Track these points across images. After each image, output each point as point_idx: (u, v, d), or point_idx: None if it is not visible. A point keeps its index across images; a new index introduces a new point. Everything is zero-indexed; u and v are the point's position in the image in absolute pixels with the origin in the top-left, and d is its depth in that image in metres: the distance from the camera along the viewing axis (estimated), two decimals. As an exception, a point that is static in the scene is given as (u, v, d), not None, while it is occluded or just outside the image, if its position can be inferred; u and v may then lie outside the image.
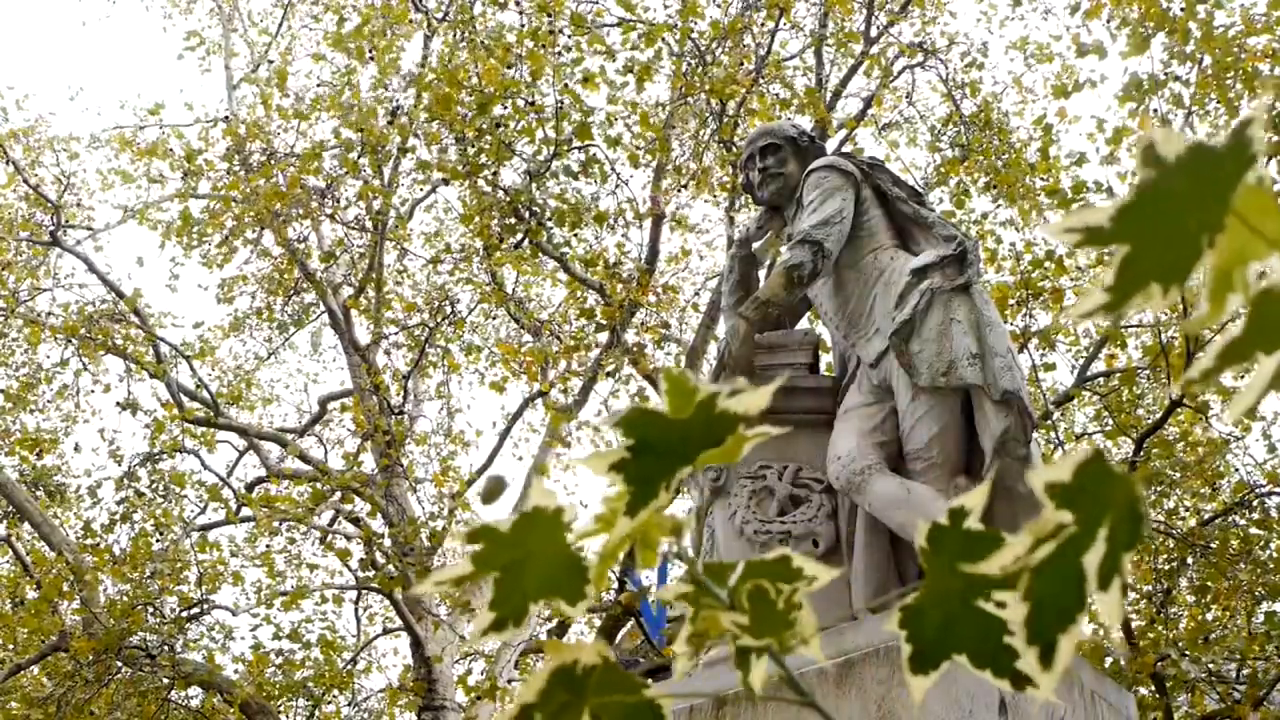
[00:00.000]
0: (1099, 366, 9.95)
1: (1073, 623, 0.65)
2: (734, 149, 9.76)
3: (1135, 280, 0.60)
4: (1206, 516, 9.34)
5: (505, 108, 9.99)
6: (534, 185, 10.25)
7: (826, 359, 5.88)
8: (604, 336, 10.71)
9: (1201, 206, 0.58)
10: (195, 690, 10.48)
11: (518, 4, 10.53)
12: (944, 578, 0.70)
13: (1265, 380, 0.58)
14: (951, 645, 0.71)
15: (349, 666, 10.83)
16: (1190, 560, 8.95)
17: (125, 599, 9.67)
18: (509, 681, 10.75)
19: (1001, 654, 0.70)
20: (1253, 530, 9.10)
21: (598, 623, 10.39)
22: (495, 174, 10.17)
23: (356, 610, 12.49)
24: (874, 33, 10.94)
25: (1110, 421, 9.65)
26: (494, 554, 0.75)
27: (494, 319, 13.04)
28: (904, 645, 0.72)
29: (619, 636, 10.30)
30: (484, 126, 9.78)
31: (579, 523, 0.75)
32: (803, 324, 5.22)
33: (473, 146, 9.99)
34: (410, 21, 11.52)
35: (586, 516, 0.74)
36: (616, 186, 10.88)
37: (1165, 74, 8.75)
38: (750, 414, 0.71)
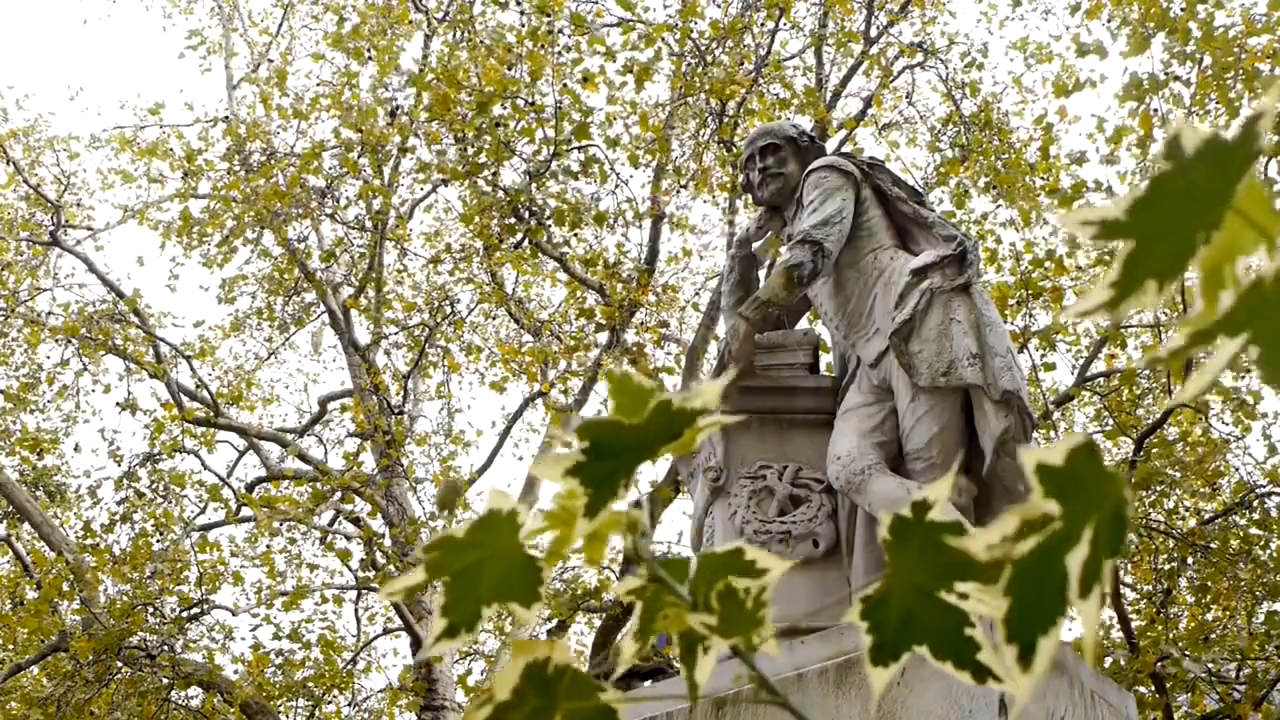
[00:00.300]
0: (1099, 366, 9.95)
1: (1053, 625, 0.64)
2: (734, 149, 9.76)
3: (1137, 277, 0.60)
4: (1206, 516, 9.33)
5: (505, 108, 9.99)
6: (534, 185, 10.25)
7: (826, 359, 5.87)
8: (604, 336, 10.71)
9: (1207, 200, 0.58)
10: (195, 690, 10.48)
11: (518, 4, 10.53)
12: (907, 569, 0.70)
13: (1222, 361, 0.58)
14: (913, 637, 0.71)
15: (349, 666, 10.83)
16: (1190, 560, 8.94)
17: (125, 599, 9.67)
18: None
19: (963, 646, 0.70)
20: (1253, 530, 9.10)
21: (598, 623, 10.40)
22: (495, 174, 10.17)
23: (356, 610, 12.49)
24: (874, 33, 10.94)
25: (1110, 421, 9.65)
26: (449, 560, 0.74)
27: (494, 319, 13.03)
28: (865, 636, 0.71)
29: (619, 637, 10.29)
30: (483, 126, 9.78)
31: (532, 520, 0.74)
32: (803, 324, 5.22)
33: (472, 146, 9.99)
34: (410, 21, 11.52)
35: (539, 515, 0.74)
36: (616, 186, 10.89)
37: (1165, 74, 8.74)
38: (708, 407, 0.71)
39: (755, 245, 5.10)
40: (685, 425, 0.71)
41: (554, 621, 10.75)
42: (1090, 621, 0.61)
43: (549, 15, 10.01)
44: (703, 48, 10.36)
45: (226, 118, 12.70)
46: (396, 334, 12.42)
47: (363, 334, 12.04)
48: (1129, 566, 9.17)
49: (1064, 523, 0.63)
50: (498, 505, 0.74)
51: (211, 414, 12.02)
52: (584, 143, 10.10)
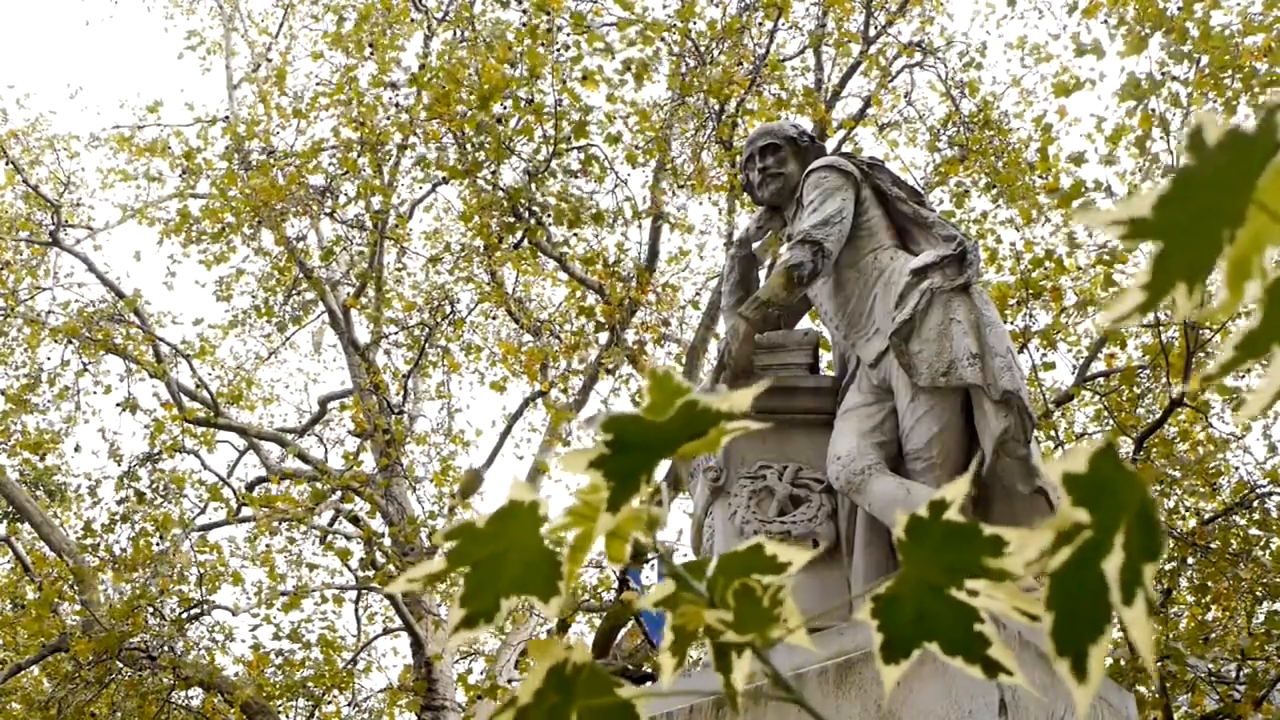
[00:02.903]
0: (1099, 366, 9.95)
1: (1101, 633, 0.64)
2: (733, 149, 9.76)
3: (1168, 278, 0.60)
4: (1206, 516, 9.33)
5: (505, 107, 9.98)
6: (533, 184, 10.25)
7: (827, 358, 5.88)
8: (604, 336, 10.71)
9: (1230, 193, 0.58)
10: (195, 691, 10.47)
11: (519, 2, 10.52)
12: (922, 568, 0.70)
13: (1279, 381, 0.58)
14: (924, 634, 0.71)
15: (349, 666, 10.83)
16: (1190, 560, 8.94)
17: (125, 600, 9.66)
18: (509, 681, 10.74)
19: (973, 642, 0.71)
20: (1253, 530, 9.10)
21: (598, 622, 10.39)
22: (494, 172, 10.17)
23: (356, 610, 12.49)
24: (872, 33, 10.94)
25: (1110, 421, 9.64)
26: (469, 550, 0.74)
27: (494, 319, 13.04)
28: (875, 635, 0.71)
29: (619, 637, 10.29)
30: (483, 124, 9.77)
31: (555, 516, 0.74)
32: (803, 324, 5.22)
33: (470, 144, 9.98)
34: (410, 21, 11.52)
35: (562, 510, 0.74)
36: (616, 186, 10.89)
37: (1163, 74, 8.74)
38: (734, 411, 0.71)
39: (755, 245, 5.10)
40: (710, 425, 0.71)
41: (554, 621, 10.75)
42: (1139, 627, 0.61)
43: (547, 13, 10.00)
44: (701, 48, 10.36)
45: (226, 117, 12.69)
46: (396, 333, 12.42)
47: (363, 333, 12.04)
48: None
49: (1095, 530, 0.63)
50: (519, 497, 0.74)
51: (211, 414, 12.02)
52: (583, 142, 10.10)
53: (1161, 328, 8.53)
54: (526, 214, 10.22)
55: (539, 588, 0.74)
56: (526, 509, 0.74)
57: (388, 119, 10.88)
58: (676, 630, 0.76)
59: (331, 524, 11.53)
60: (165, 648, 9.78)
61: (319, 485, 10.58)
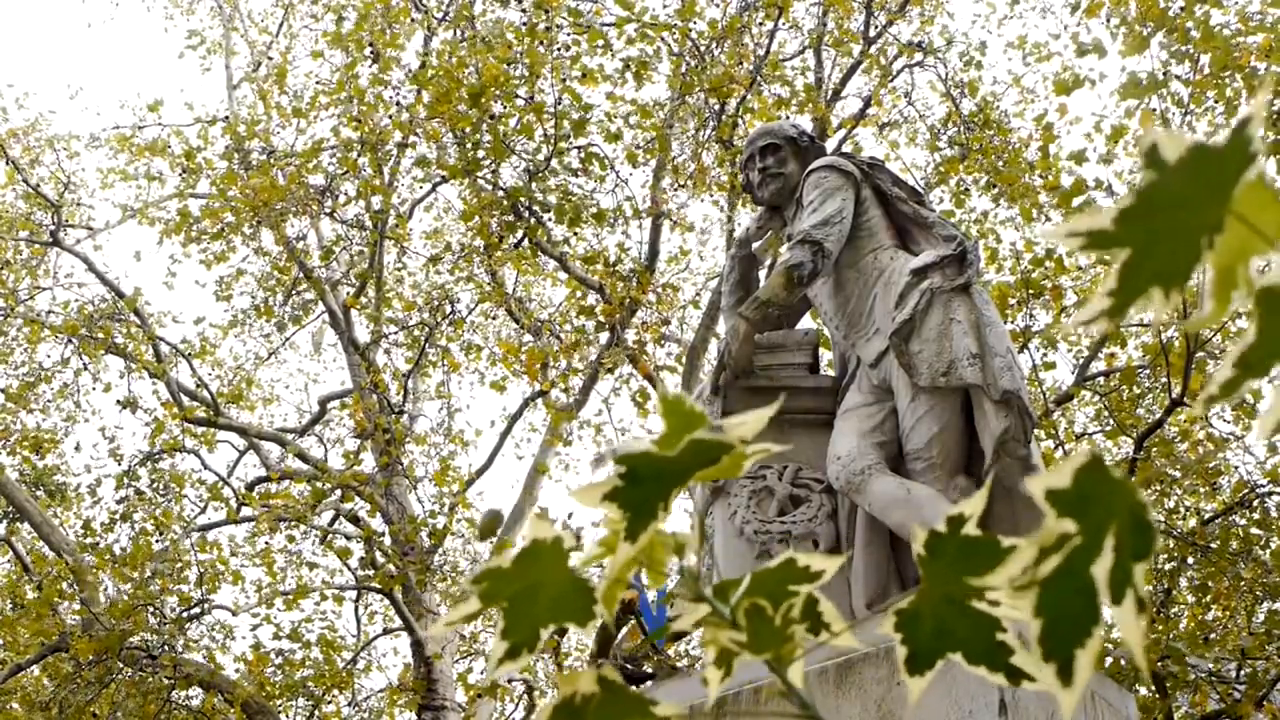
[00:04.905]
0: (1099, 366, 9.95)
1: (1089, 636, 0.64)
2: (733, 148, 9.76)
3: (1137, 284, 0.60)
4: (1206, 516, 9.33)
5: (505, 106, 9.97)
6: (533, 183, 10.24)
7: (827, 358, 5.87)
8: (604, 336, 10.71)
9: (1202, 206, 0.58)
10: (195, 690, 10.48)
11: (519, 1, 10.52)
12: (941, 583, 0.70)
13: None
14: (947, 645, 0.72)
15: (349, 666, 10.83)
16: (1190, 560, 8.94)
17: (125, 599, 9.66)
18: (509, 681, 10.75)
19: (996, 650, 0.71)
20: (1253, 530, 9.09)
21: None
22: (494, 171, 10.16)
23: (356, 610, 12.49)
24: (872, 33, 10.94)
25: (1110, 421, 9.64)
26: (500, 588, 0.75)
27: (494, 319, 13.04)
28: (899, 647, 0.72)
29: (619, 636, 10.28)
30: (480, 122, 9.75)
31: (585, 543, 0.75)
32: (804, 324, 5.22)
33: (469, 142, 9.97)
34: (410, 20, 11.51)
35: (590, 537, 0.75)
36: (616, 185, 10.88)
37: (1164, 74, 8.74)
38: (745, 439, 0.71)
39: (755, 245, 5.10)
40: (722, 454, 0.71)
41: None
42: (1129, 625, 0.62)
43: (546, 11, 9.99)
44: (701, 48, 10.35)
45: (226, 117, 12.69)
46: (396, 333, 12.41)
47: (363, 333, 12.04)
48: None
49: (1083, 537, 0.63)
50: (540, 535, 0.75)
51: (211, 414, 12.01)
52: (583, 140, 10.09)
53: (1161, 327, 8.52)
54: (527, 213, 10.21)
55: (576, 615, 0.76)
56: (550, 546, 0.75)
57: (388, 119, 10.87)
58: (717, 649, 0.77)
59: (331, 524, 11.53)
60: (165, 647, 9.77)
61: (319, 485, 10.57)
